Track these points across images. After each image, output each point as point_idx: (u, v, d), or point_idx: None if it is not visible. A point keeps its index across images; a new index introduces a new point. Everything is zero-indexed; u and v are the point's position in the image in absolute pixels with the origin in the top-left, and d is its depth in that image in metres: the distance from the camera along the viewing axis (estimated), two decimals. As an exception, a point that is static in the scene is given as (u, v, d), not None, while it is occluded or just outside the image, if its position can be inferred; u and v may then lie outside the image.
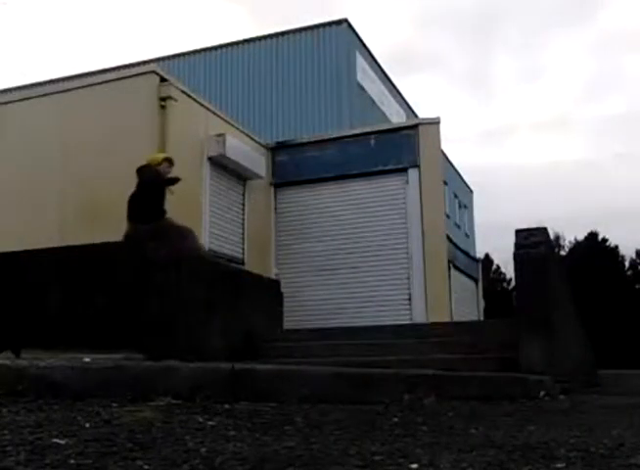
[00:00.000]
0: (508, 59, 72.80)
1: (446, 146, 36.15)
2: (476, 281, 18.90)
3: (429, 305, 9.99)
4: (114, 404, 2.74)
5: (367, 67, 17.60)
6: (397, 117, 19.36)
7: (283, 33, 17.17)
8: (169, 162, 7.04)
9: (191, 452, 1.91)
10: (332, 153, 10.98)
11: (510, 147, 69.54)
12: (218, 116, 9.85)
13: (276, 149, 11.38)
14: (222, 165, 9.70)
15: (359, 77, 16.89)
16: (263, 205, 10.95)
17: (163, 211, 6.94)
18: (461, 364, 6.02)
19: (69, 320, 6.90)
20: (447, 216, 15.51)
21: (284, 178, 11.17)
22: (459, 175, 25.34)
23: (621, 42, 68.87)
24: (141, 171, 6.87)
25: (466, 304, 16.69)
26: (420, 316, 9.87)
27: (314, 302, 10.45)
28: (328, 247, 10.68)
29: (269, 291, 9.66)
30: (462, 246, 18.79)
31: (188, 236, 7.00)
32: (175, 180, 6.95)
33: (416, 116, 21.18)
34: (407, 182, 10.51)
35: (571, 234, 42.88)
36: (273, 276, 10.55)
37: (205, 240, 9.26)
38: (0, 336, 6.38)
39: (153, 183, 6.84)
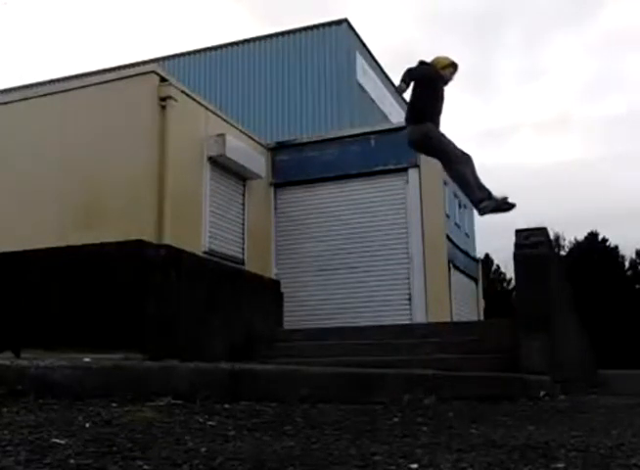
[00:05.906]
0: (509, 58, 72.79)
1: (446, 146, 35.96)
2: (476, 281, 18.88)
3: (429, 305, 9.99)
4: (114, 404, 2.74)
5: (367, 67, 17.58)
6: (397, 117, 19.34)
7: (283, 33, 17.15)
8: (455, 67, 6.62)
9: (191, 452, 1.92)
10: (332, 153, 10.97)
11: (510, 147, 69.54)
12: (218, 116, 9.84)
13: (276, 149, 11.37)
14: (222, 165, 9.70)
15: (359, 77, 16.88)
16: (263, 205, 10.95)
17: (433, 114, 6.40)
18: (461, 364, 6.02)
19: (70, 320, 6.91)
20: (447, 216, 15.47)
21: (284, 178, 11.16)
22: (459, 175, 25.29)
23: (622, 42, 68.86)
24: (418, 66, 6.43)
25: (466, 304, 16.67)
26: (420, 316, 9.87)
27: (314, 302, 10.45)
28: (328, 247, 10.67)
29: (269, 291, 9.67)
30: (462, 246, 18.75)
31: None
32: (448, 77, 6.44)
33: (416, 116, 21.14)
34: (407, 182, 10.51)
35: (571, 234, 42.92)
36: (273, 276, 10.55)
37: (205, 240, 9.26)
38: (0, 336, 6.39)
39: (422, 76, 6.31)
